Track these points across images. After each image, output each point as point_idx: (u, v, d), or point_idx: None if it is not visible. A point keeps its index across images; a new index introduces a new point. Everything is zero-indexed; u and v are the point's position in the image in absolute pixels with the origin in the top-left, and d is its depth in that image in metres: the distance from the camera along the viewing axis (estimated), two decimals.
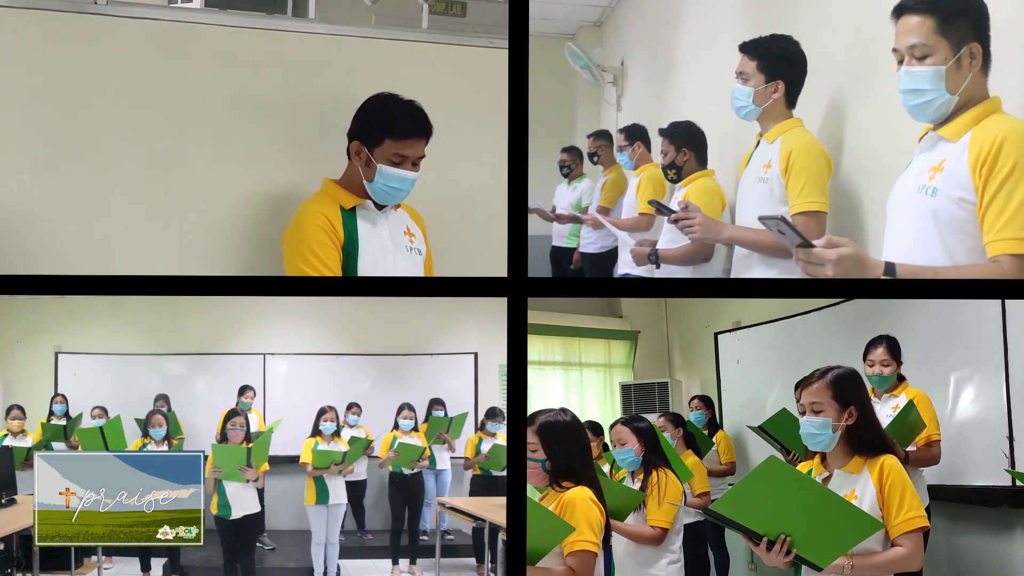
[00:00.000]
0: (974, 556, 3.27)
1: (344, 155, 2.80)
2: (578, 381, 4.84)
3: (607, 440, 3.75)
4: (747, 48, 3.16)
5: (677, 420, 4.01)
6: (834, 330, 3.83)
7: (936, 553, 3.20)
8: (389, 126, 2.71)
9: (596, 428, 3.99)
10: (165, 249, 2.86)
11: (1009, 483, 3.07)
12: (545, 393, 4.72)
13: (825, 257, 2.33)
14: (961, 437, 3.27)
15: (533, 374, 4.61)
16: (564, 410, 2.52)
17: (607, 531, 2.40)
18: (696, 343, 4.81)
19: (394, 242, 2.84)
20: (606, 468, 3.43)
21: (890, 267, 2.32)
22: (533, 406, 4.50)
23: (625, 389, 4.89)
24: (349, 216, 2.76)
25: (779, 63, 3.11)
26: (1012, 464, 3.07)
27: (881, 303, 3.63)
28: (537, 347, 4.66)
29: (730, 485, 4.00)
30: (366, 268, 2.76)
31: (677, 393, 4.79)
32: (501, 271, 3.04)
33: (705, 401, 4.37)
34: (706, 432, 4.24)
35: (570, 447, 2.43)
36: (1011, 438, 3.10)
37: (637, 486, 3.20)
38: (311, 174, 2.86)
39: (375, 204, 2.81)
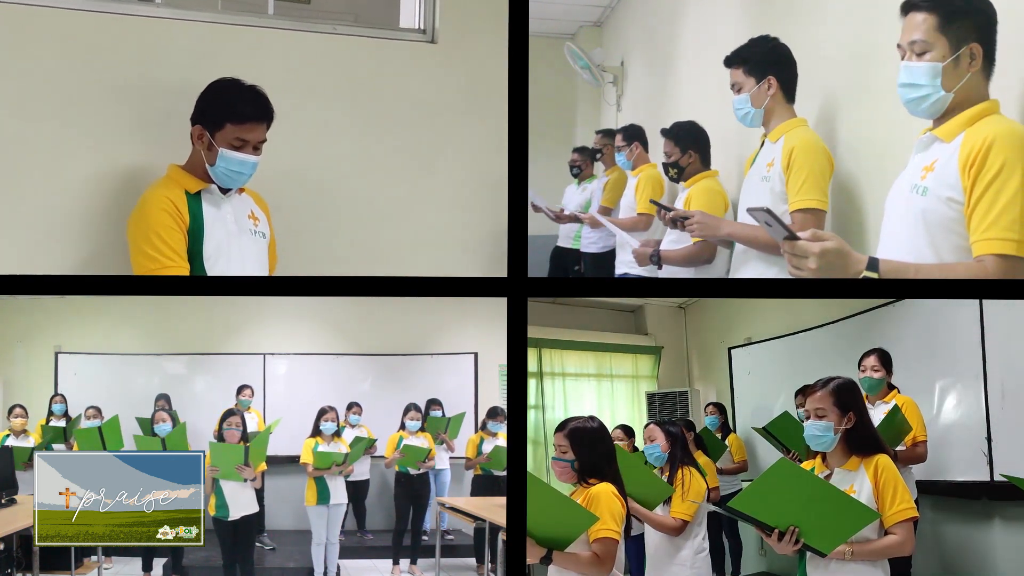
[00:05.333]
0: (958, 543, 3.57)
1: (189, 140, 2.82)
2: (609, 390, 5.27)
3: (637, 443, 4.05)
4: (731, 60, 3.22)
5: (690, 426, 4.20)
6: (833, 345, 4.12)
7: (924, 540, 3.48)
8: (230, 110, 2.74)
9: (628, 431, 4.15)
10: (7, 235, 2.83)
11: (988, 478, 3.33)
12: (580, 401, 5.12)
13: (809, 250, 2.38)
14: (946, 438, 3.54)
15: (570, 384, 5.08)
16: (592, 417, 2.75)
17: (628, 521, 2.65)
18: (712, 357, 5.19)
19: (239, 225, 2.87)
20: None
21: (873, 262, 2.36)
22: (570, 412, 4.77)
23: (650, 397, 5.27)
24: (194, 200, 2.79)
25: (764, 61, 3.15)
26: (990, 461, 3.33)
27: (874, 321, 3.86)
28: (573, 361, 5.12)
29: (743, 481, 4.35)
30: (211, 251, 2.78)
31: (696, 401, 5.17)
32: (344, 255, 3.17)
33: (719, 407, 4.65)
34: (719, 435, 4.50)
35: (596, 449, 2.67)
36: (989, 439, 3.34)
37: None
38: (158, 159, 2.87)
39: (219, 188, 2.83)
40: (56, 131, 2.87)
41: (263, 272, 2.97)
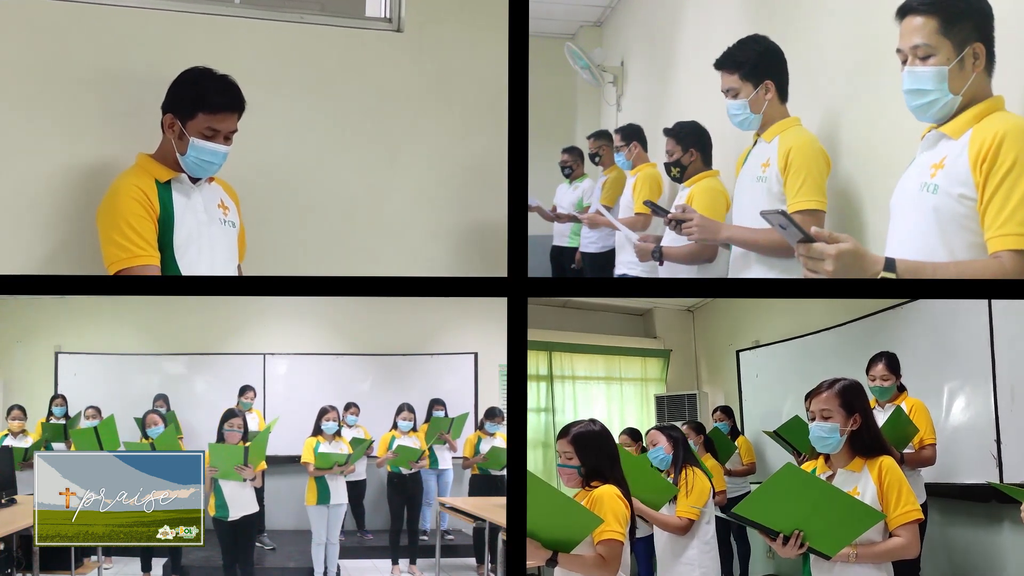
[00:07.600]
0: (966, 546, 3.56)
1: (159, 129, 2.81)
2: (618, 393, 5.31)
3: (643, 444, 4.02)
4: (724, 63, 3.17)
5: (699, 428, 4.25)
6: (841, 348, 4.10)
7: (933, 543, 3.46)
8: (202, 100, 2.74)
9: (635, 434, 4.13)
10: None
11: (997, 481, 3.31)
12: (590, 404, 5.16)
13: (825, 252, 2.35)
14: (954, 440, 3.52)
15: (580, 387, 5.10)
16: (594, 421, 2.75)
17: (633, 523, 2.65)
18: (720, 360, 5.21)
19: (208, 215, 2.86)
20: None
21: (890, 262, 2.33)
22: (579, 415, 4.78)
23: (659, 400, 5.31)
24: (165, 189, 2.78)
25: (760, 64, 3.11)
26: (999, 463, 3.32)
27: (883, 324, 3.84)
28: (583, 364, 5.15)
29: (751, 484, 4.37)
30: (182, 240, 2.78)
31: (704, 404, 5.21)
32: (311, 244, 3.17)
33: (726, 411, 4.68)
34: (729, 437, 4.51)
35: (600, 452, 2.67)
36: (998, 441, 3.32)
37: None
38: (126, 149, 2.85)
39: (190, 177, 2.83)
40: (24, 121, 2.86)
41: (232, 262, 2.96)
